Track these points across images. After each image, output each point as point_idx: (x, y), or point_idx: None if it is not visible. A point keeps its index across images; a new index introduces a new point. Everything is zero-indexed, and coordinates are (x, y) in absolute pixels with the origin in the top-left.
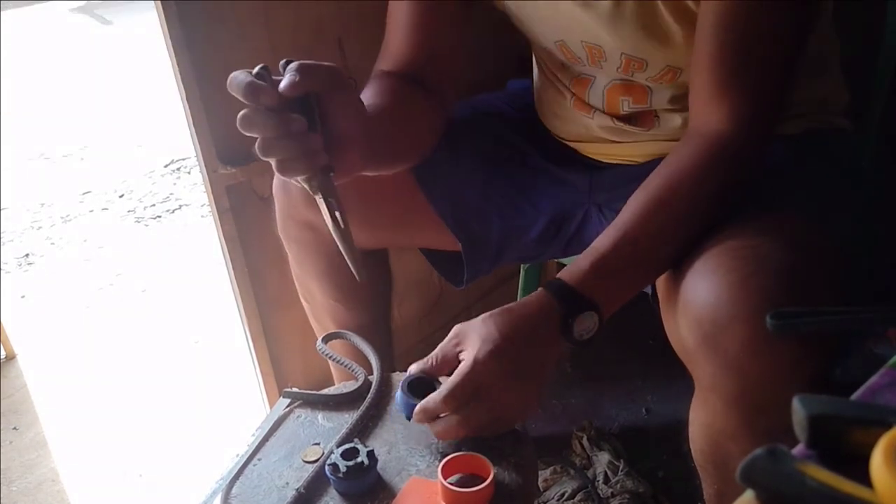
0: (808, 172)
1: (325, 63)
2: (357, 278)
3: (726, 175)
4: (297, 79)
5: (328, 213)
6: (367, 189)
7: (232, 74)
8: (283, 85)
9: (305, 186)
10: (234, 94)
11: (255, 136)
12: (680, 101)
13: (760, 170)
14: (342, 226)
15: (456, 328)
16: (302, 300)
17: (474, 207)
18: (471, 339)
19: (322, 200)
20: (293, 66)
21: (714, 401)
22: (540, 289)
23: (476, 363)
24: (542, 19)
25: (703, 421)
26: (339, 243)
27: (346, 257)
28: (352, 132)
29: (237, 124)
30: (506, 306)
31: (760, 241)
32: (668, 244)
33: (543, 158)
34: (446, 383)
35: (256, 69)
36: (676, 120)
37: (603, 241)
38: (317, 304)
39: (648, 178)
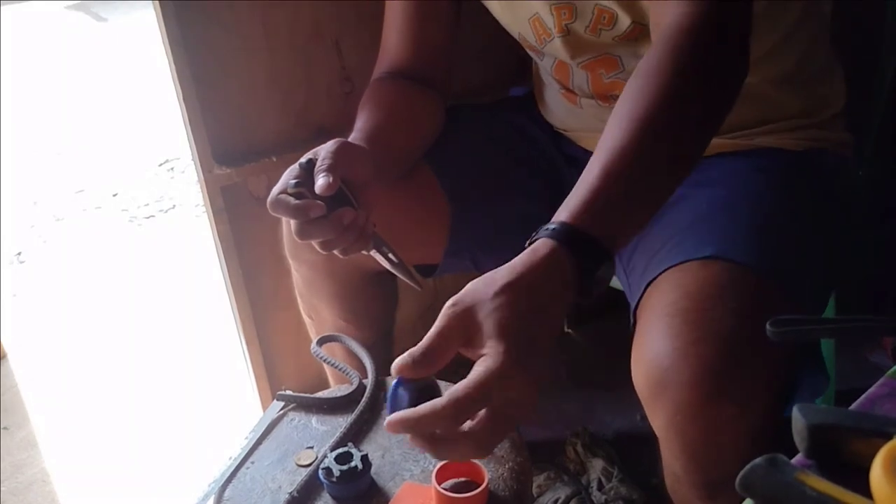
0: (796, 202)
1: (334, 144)
2: (419, 288)
3: (700, 51)
4: (330, 179)
5: (384, 259)
6: (392, 220)
7: (273, 199)
8: (320, 190)
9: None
10: (280, 216)
11: (315, 240)
12: None
13: (746, 64)
14: (397, 261)
15: (456, 310)
16: (304, 316)
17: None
18: (487, 330)
19: (377, 253)
20: (322, 167)
21: (665, 444)
22: (547, 242)
23: (504, 373)
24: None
25: (664, 456)
26: (399, 275)
27: (406, 281)
28: (367, 176)
29: (294, 235)
30: (515, 269)
31: (712, 304)
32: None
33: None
34: (454, 391)
35: (293, 184)
36: None
37: (593, 178)
38: (323, 323)
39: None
